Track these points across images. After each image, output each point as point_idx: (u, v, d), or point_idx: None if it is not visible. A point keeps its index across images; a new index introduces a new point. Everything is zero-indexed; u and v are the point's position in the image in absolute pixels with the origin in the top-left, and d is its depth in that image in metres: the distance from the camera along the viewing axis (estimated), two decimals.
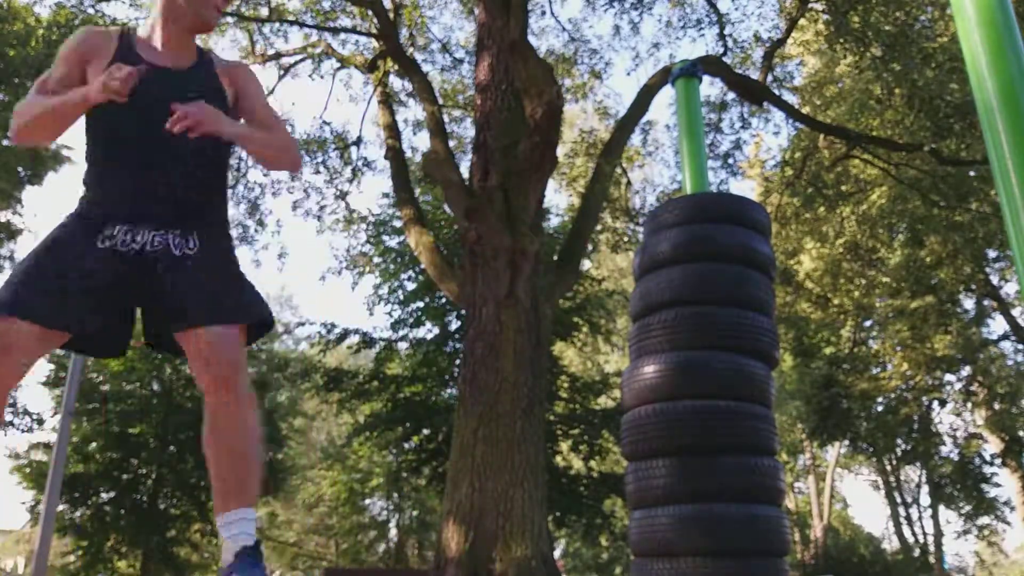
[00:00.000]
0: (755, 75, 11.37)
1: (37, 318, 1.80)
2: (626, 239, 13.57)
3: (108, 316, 1.95)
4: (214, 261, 2.01)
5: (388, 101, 11.08)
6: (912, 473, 25.71)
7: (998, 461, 19.54)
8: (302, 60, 12.26)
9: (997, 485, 20.98)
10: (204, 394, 1.90)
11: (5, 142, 12.78)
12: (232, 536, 1.83)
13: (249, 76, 2.21)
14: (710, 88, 12.76)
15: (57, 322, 1.84)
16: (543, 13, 13.12)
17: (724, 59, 11.23)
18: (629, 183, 13.77)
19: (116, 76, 1.78)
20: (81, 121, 1.98)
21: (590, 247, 12.84)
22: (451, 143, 10.15)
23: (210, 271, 1.97)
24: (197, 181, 2.06)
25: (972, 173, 11.77)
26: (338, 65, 12.27)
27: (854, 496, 68.89)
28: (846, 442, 21.51)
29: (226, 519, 1.85)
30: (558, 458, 13.81)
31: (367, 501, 22.82)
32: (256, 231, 12.31)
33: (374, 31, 10.94)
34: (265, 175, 12.39)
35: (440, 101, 11.30)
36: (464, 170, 9.66)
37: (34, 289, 1.82)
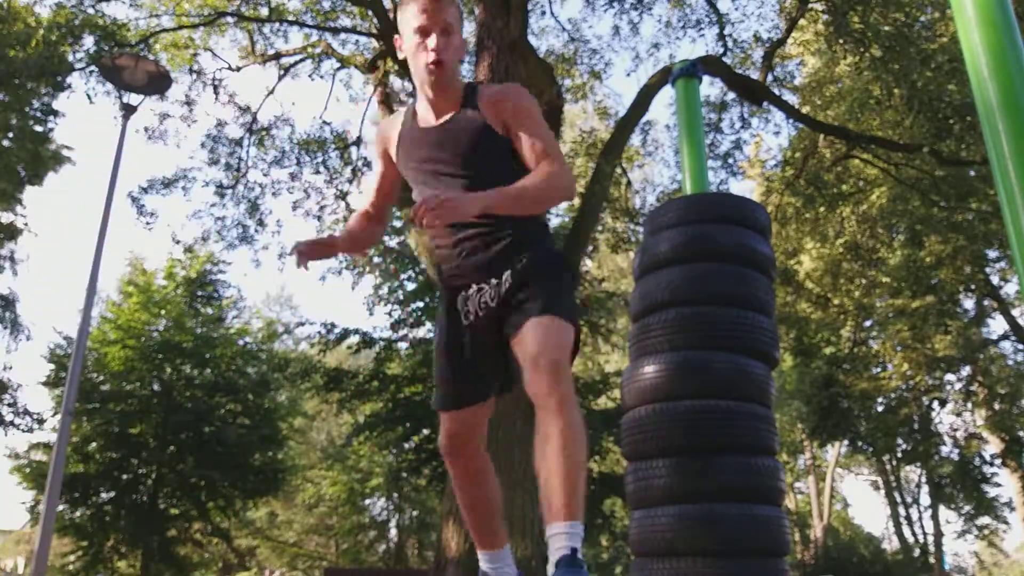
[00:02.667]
0: (755, 75, 11.37)
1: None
2: (626, 239, 13.56)
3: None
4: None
5: (388, 101, 11.07)
6: (912, 473, 25.73)
7: (998, 461, 19.54)
8: (302, 60, 12.26)
9: (997, 485, 21.00)
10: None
11: (5, 143, 12.79)
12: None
13: (510, 105, 2.06)
14: (710, 88, 12.75)
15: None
16: (543, 13, 13.11)
17: (724, 59, 11.22)
18: (629, 183, 13.77)
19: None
20: None
21: (590, 247, 12.83)
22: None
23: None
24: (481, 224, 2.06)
25: (972, 173, 11.77)
26: (338, 65, 12.27)
27: (854, 496, 68.92)
28: (846, 442, 21.52)
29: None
30: None
31: (367, 501, 22.83)
32: (256, 231, 12.30)
33: (374, 31, 10.94)
34: (265, 175, 12.40)
35: None
36: None
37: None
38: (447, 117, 2.04)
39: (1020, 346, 18.65)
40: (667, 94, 19.86)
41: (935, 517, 23.21)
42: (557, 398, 1.74)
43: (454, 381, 2.07)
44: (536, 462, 1.81)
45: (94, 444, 15.30)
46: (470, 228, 1.98)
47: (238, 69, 11.98)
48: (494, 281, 1.97)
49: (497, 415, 7.25)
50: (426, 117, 2.07)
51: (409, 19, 1.98)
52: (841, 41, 10.35)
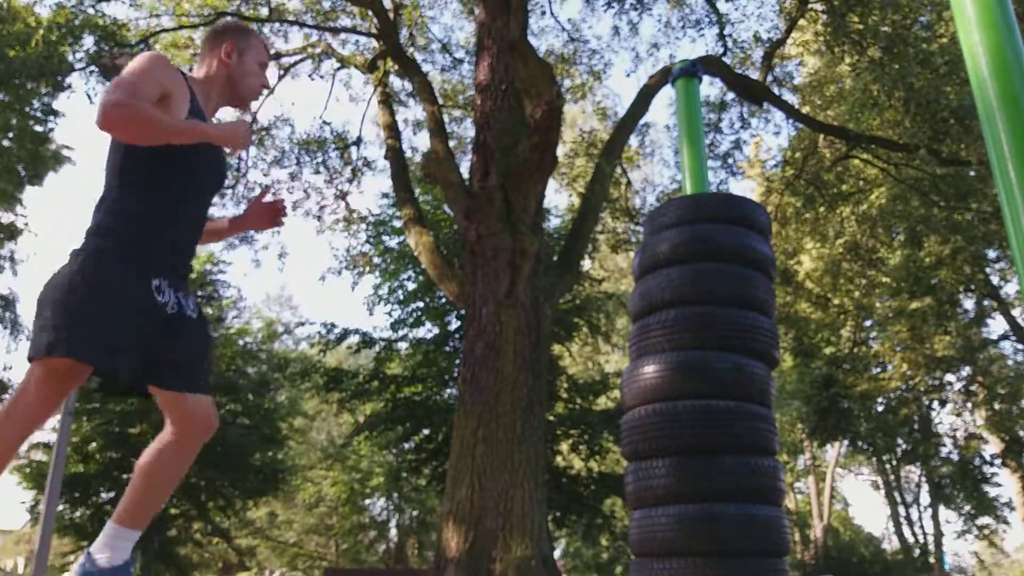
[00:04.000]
0: (755, 75, 11.37)
1: (94, 360, 1.89)
2: (626, 239, 13.56)
3: (136, 359, 2.01)
4: (206, 331, 2.20)
5: (388, 101, 11.07)
6: (912, 473, 25.73)
7: (998, 461, 19.54)
8: (302, 60, 12.26)
9: (997, 485, 21.00)
10: (172, 432, 2.09)
11: (5, 143, 12.78)
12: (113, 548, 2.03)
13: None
14: (710, 88, 12.76)
15: (108, 363, 1.90)
16: (543, 13, 13.11)
17: (724, 59, 11.23)
18: (629, 183, 13.77)
19: (245, 135, 2.04)
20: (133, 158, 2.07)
21: (590, 247, 12.84)
22: (451, 143, 10.15)
23: (204, 342, 2.17)
24: (196, 242, 2.23)
25: (972, 173, 11.77)
26: (338, 65, 12.27)
27: (854, 496, 68.96)
28: (846, 442, 21.51)
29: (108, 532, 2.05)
30: (558, 458, 13.81)
31: (367, 501, 22.83)
32: (256, 231, 12.28)
33: (374, 31, 10.94)
34: (265, 175, 12.40)
35: (440, 101, 11.29)
36: (464, 170, 9.66)
37: (93, 331, 1.89)
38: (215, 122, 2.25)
39: (1020, 346, 18.65)
40: (667, 94, 19.88)
41: (935, 517, 23.21)
42: None
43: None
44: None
45: (94, 444, 15.30)
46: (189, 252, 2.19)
47: None
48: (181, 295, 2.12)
49: (496, 415, 7.26)
50: (203, 109, 2.20)
51: (260, 51, 2.32)
52: (840, 42, 10.35)
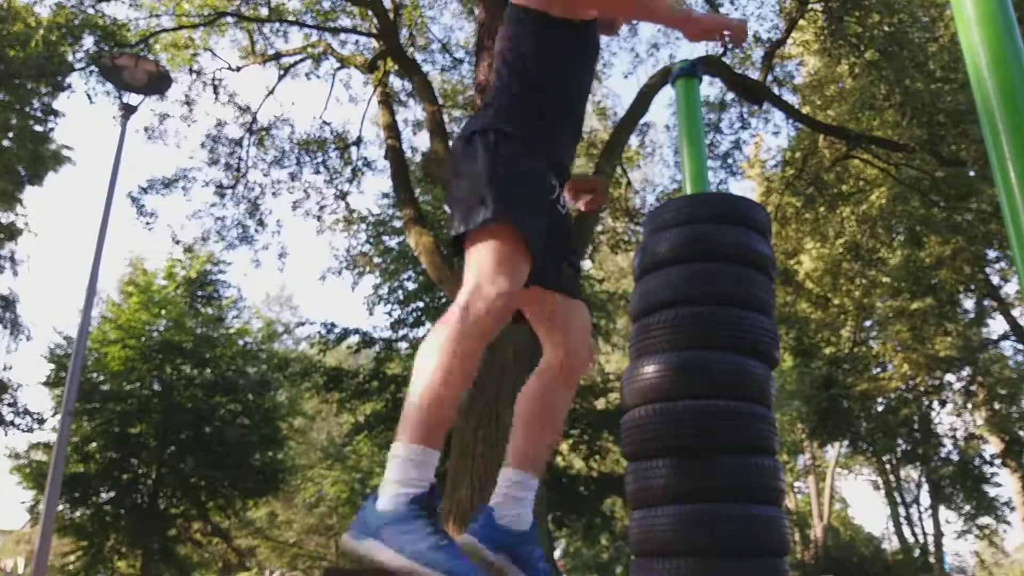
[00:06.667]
0: (755, 75, 11.37)
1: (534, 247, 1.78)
2: (626, 239, 13.56)
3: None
4: (570, 231, 2.10)
5: (388, 101, 11.07)
6: (912, 473, 25.73)
7: (998, 461, 19.54)
8: (302, 60, 12.26)
9: (997, 485, 21.00)
10: (551, 360, 2.03)
11: (5, 143, 12.78)
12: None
13: None
14: (710, 88, 12.75)
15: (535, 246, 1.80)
16: None
17: (724, 59, 11.22)
18: (629, 183, 13.77)
19: (740, 28, 1.95)
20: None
21: (590, 247, 12.83)
22: (451, 143, 10.14)
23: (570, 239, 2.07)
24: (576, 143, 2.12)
25: (972, 173, 11.77)
26: (338, 65, 12.26)
27: (854, 496, 68.97)
28: (846, 442, 21.51)
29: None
30: (558, 458, 13.82)
31: None
32: (256, 231, 12.29)
33: (374, 31, 10.94)
34: (265, 175, 12.39)
35: (440, 101, 11.29)
36: None
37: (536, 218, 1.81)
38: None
39: (1020, 346, 18.65)
40: (667, 94, 19.86)
41: (935, 517, 23.22)
42: None
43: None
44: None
45: (94, 444, 15.30)
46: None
47: (238, 69, 11.97)
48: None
49: (495, 415, 7.25)
50: None
51: None
52: (838, 45, 10.36)
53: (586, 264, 15.59)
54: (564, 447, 13.97)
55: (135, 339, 15.57)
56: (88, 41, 10.17)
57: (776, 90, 11.95)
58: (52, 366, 15.78)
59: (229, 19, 11.35)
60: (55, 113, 12.13)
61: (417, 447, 1.59)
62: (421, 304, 14.05)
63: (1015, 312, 17.99)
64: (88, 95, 10.52)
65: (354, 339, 13.78)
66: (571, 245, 2.06)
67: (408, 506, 1.54)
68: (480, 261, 1.72)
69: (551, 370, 2.01)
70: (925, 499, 24.87)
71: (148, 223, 11.48)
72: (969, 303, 18.52)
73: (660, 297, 3.60)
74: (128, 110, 8.44)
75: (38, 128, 12.42)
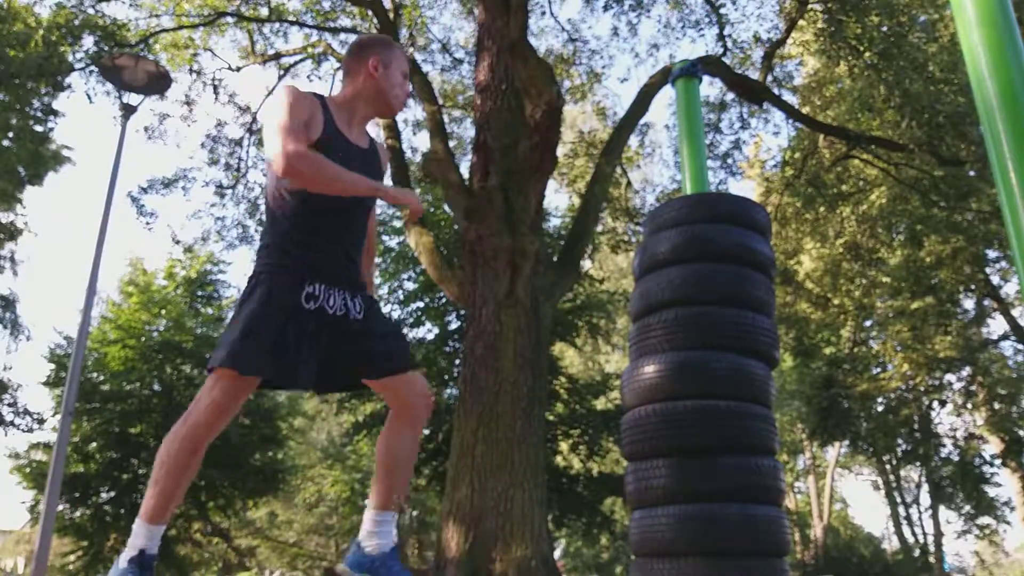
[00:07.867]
0: (755, 75, 11.37)
1: (267, 375, 2.10)
2: (626, 239, 13.56)
3: (313, 363, 2.21)
4: (382, 318, 2.41)
5: None
6: (912, 473, 25.72)
7: (998, 461, 19.53)
8: (302, 60, 12.26)
9: (997, 485, 20.99)
10: (396, 414, 2.36)
11: (5, 143, 12.78)
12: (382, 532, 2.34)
13: (386, 162, 2.57)
14: (710, 88, 12.76)
15: (284, 377, 2.13)
16: (543, 13, 13.12)
17: (724, 59, 11.22)
18: (629, 183, 13.77)
19: (415, 201, 2.20)
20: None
21: (590, 247, 12.84)
22: (451, 143, 10.15)
23: (384, 325, 2.38)
24: (358, 249, 2.38)
25: (972, 173, 11.78)
26: (338, 65, 12.27)
27: (854, 496, 68.96)
28: (846, 442, 21.51)
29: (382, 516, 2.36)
30: (558, 458, 13.81)
31: (367, 501, 22.80)
32: (256, 231, 12.30)
33: (374, 31, 10.94)
34: (265, 175, 12.38)
35: (440, 101, 11.29)
36: (464, 170, 9.66)
37: (260, 347, 2.08)
38: (366, 146, 2.37)
39: (1020, 346, 18.64)
40: (667, 94, 19.88)
41: (935, 517, 23.20)
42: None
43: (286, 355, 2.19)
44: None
45: (94, 444, 15.29)
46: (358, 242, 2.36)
47: (238, 69, 11.98)
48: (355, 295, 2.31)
49: (495, 415, 7.26)
50: (346, 132, 2.30)
51: (401, 62, 2.41)
52: (837, 46, 10.36)
53: (586, 264, 15.59)
54: (564, 447, 13.97)
55: (135, 339, 15.56)
56: (88, 41, 10.17)
57: (776, 90, 11.96)
58: (52, 366, 15.77)
59: (229, 19, 11.36)
60: (55, 113, 12.13)
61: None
62: (421, 304, 14.04)
63: (1015, 312, 17.98)
64: (88, 95, 10.53)
65: None
66: (383, 329, 2.34)
67: None
68: None
69: (398, 420, 2.35)
70: (925, 499, 24.88)
71: (148, 223, 11.49)
72: (969, 303, 18.53)
73: (660, 297, 3.60)
74: (128, 110, 8.44)
75: (38, 128, 12.42)
